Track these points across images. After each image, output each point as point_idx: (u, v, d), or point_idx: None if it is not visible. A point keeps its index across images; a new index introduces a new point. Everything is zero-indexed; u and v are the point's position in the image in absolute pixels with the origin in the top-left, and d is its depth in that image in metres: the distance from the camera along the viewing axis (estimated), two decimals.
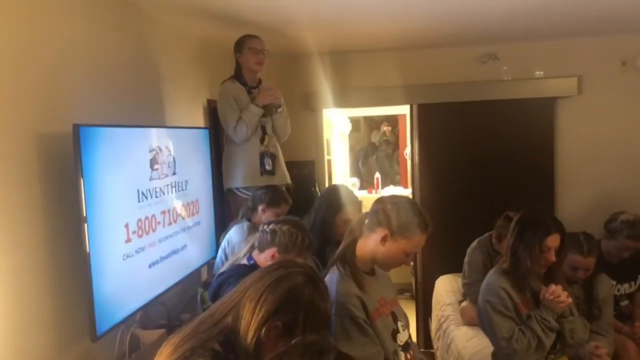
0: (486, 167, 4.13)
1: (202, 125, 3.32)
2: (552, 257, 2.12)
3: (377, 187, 6.31)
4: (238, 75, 3.12)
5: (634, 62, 3.92)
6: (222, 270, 2.25)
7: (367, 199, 4.76)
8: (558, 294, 2.10)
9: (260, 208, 2.78)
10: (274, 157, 3.11)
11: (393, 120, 7.10)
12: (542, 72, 4.02)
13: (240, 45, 3.06)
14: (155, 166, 2.35)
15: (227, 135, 3.10)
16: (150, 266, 2.30)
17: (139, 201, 2.19)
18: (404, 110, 5.28)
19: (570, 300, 2.13)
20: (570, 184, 4.09)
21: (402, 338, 1.83)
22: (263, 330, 1.17)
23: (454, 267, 3.62)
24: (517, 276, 2.17)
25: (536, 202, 3.93)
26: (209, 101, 3.41)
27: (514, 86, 4.03)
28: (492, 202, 3.59)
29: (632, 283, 2.95)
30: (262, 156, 3.08)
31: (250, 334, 1.17)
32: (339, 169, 5.96)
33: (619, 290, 2.92)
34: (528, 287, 2.20)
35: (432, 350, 3.72)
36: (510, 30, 3.60)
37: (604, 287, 2.64)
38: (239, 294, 1.24)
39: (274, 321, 1.18)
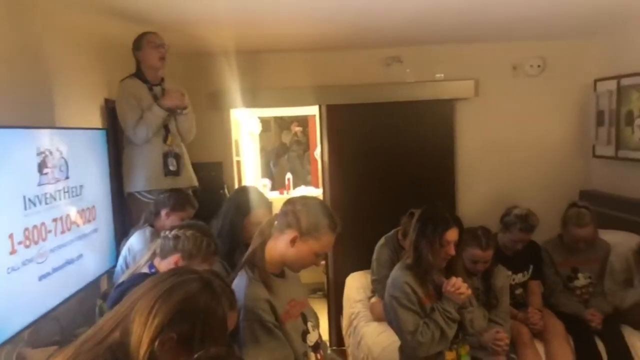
0: (392, 166, 4.25)
1: (99, 126, 3.11)
2: (452, 251, 2.22)
3: (289, 188, 6.30)
4: (139, 73, 2.97)
5: (523, 67, 4.22)
6: (121, 280, 2.12)
7: (279, 200, 4.73)
8: (458, 286, 2.19)
9: (163, 212, 2.66)
10: (178, 157, 3.00)
11: (303, 121, 7.13)
12: (442, 75, 4.21)
13: (138, 42, 2.94)
14: (45, 170, 2.17)
15: (127, 136, 2.94)
16: (40, 279, 2.12)
17: (25, 208, 2.01)
18: (313, 110, 5.31)
19: (469, 291, 2.23)
20: (469, 181, 4.32)
21: (312, 338, 1.83)
22: (156, 343, 1.09)
23: (364, 264, 3.69)
24: (420, 270, 2.24)
25: (439, 199, 4.09)
26: (107, 100, 3.21)
27: (417, 88, 4.18)
28: (399, 200, 3.70)
29: (525, 272, 3.15)
30: (166, 156, 2.96)
31: (143, 349, 1.09)
32: (249, 170, 5.88)
33: (514, 280, 3.11)
34: (431, 280, 2.28)
35: (344, 348, 3.77)
36: (412, 35, 3.73)
37: (500, 277, 2.81)
38: (128, 306, 1.15)
39: (167, 333, 1.10)
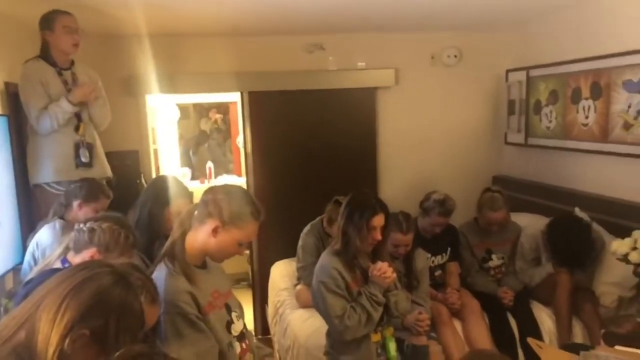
0: (316, 154, 4.26)
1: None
2: (379, 236, 2.26)
3: (210, 177, 6.16)
4: (45, 55, 2.75)
5: (441, 57, 4.36)
6: (30, 277, 1.97)
7: (200, 189, 4.60)
8: (384, 270, 2.24)
9: (75, 204, 2.50)
10: (91, 147, 2.82)
11: (223, 108, 6.97)
12: (364, 64, 4.25)
13: (49, 22, 2.70)
14: None
15: (30, 124, 2.72)
16: None
17: None
18: (234, 97, 5.20)
19: (395, 275, 2.29)
20: (391, 167, 4.42)
21: (236, 328, 1.81)
22: (66, 341, 1.02)
23: (289, 252, 3.68)
24: (348, 256, 2.27)
25: (362, 186, 4.17)
26: (7, 84, 2.94)
27: (339, 76, 4.20)
28: (323, 188, 3.72)
29: (444, 254, 3.28)
30: (77, 147, 2.78)
31: (51, 348, 1.01)
32: (167, 159, 5.68)
33: (433, 262, 3.23)
34: (358, 265, 2.31)
35: (270, 336, 3.75)
36: (334, 22, 3.73)
37: (421, 260, 2.91)
38: (33, 304, 1.06)
39: (79, 329, 1.03)
